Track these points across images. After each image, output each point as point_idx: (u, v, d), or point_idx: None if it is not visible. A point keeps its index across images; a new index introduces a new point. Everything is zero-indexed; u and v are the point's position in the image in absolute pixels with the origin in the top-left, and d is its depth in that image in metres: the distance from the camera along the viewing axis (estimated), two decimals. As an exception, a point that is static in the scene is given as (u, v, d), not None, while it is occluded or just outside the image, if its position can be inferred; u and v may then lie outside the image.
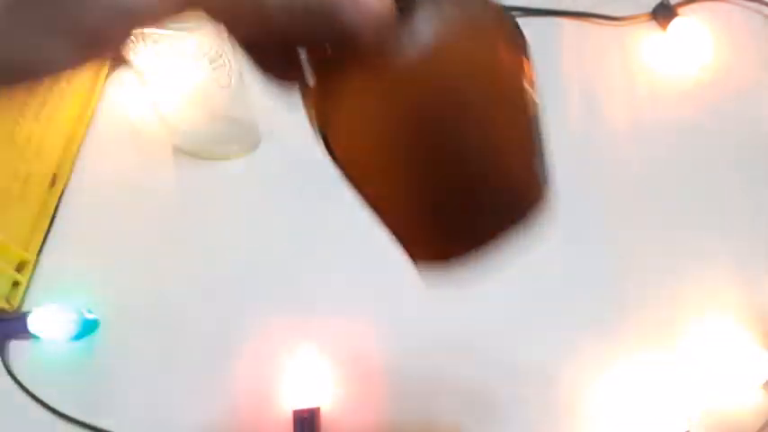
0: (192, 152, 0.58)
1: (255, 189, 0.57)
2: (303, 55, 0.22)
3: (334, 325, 0.49)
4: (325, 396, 0.46)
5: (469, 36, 0.20)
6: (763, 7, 0.72)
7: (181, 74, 0.49)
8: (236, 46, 0.21)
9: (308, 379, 0.46)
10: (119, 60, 0.64)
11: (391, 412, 0.46)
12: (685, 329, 0.50)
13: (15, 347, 0.48)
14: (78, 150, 0.59)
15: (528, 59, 0.23)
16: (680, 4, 0.71)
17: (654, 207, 0.56)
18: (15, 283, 0.50)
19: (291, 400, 0.45)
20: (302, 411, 0.45)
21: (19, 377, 0.46)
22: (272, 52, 0.21)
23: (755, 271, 0.52)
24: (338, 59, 0.20)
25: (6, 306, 0.49)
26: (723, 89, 0.65)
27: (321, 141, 0.25)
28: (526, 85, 0.23)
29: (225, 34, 0.40)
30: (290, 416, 0.45)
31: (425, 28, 0.19)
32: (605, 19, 0.70)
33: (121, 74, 0.64)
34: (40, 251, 0.53)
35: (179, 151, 0.59)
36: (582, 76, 0.65)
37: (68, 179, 0.57)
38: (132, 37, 0.45)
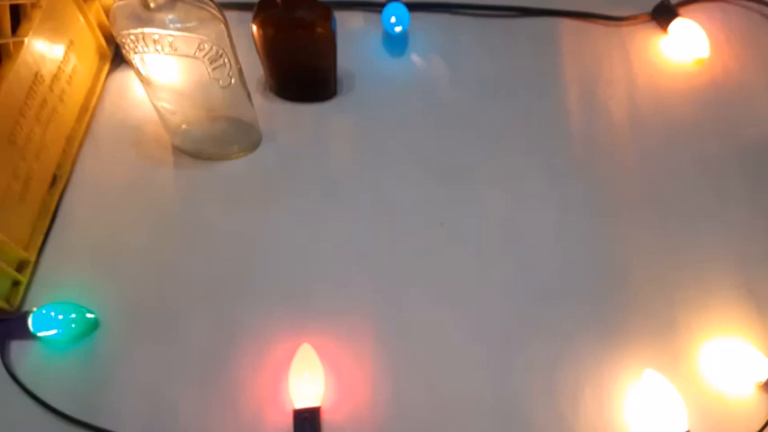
0: (192, 152, 0.58)
1: (255, 189, 0.57)
2: None
3: (333, 325, 0.49)
4: (325, 396, 0.46)
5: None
6: (762, 7, 0.72)
7: (181, 74, 0.49)
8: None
9: (308, 379, 0.46)
10: (119, 60, 0.65)
11: (391, 412, 0.46)
12: (685, 330, 0.50)
13: (15, 347, 0.48)
14: (78, 150, 0.59)
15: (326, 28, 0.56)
16: (680, 5, 0.71)
17: (654, 207, 0.56)
18: (15, 283, 0.50)
19: (291, 399, 0.45)
20: (302, 411, 0.45)
21: (19, 377, 0.46)
22: None
23: (756, 269, 0.53)
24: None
25: (6, 306, 0.49)
26: (723, 89, 0.65)
27: (256, 33, 0.56)
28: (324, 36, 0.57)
29: (225, 34, 0.41)
30: (290, 416, 0.45)
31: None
32: (605, 19, 0.70)
33: (121, 74, 0.64)
34: (40, 251, 0.53)
35: (179, 151, 0.59)
36: (582, 77, 0.65)
37: (68, 179, 0.57)
38: (132, 36, 0.45)
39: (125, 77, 0.64)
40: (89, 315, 0.49)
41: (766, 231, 0.55)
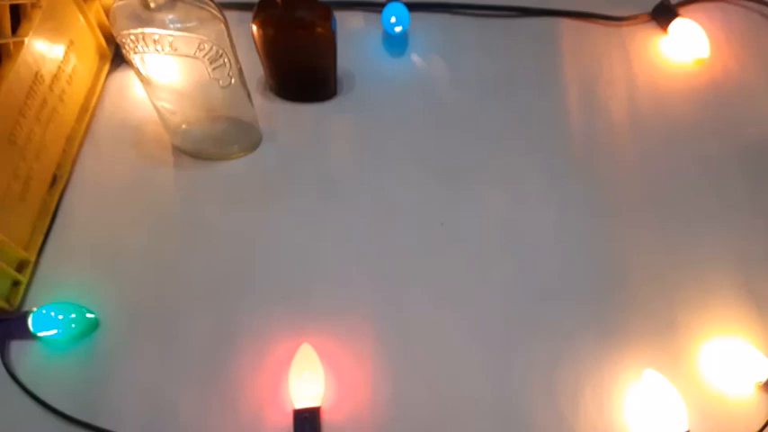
0: (192, 152, 0.58)
1: (255, 189, 0.57)
2: None
3: (333, 325, 0.49)
4: (325, 396, 0.46)
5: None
6: (762, 7, 0.72)
7: (181, 74, 0.49)
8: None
9: (308, 379, 0.46)
10: (119, 60, 0.65)
11: (391, 412, 0.46)
12: (685, 330, 0.50)
13: (15, 347, 0.48)
14: (78, 150, 0.59)
15: (326, 28, 0.56)
16: (680, 5, 0.71)
17: (654, 207, 0.56)
18: (15, 283, 0.50)
19: (291, 399, 0.45)
20: (302, 411, 0.45)
21: (19, 377, 0.46)
22: None
23: (756, 269, 0.53)
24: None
25: (6, 306, 0.49)
26: (723, 89, 0.65)
27: (256, 33, 0.56)
28: (324, 36, 0.57)
29: (225, 34, 0.40)
30: (290, 416, 0.45)
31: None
32: (605, 19, 0.70)
33: (121, 74, 0.64)
34: (40, 251, 0.53)
35: (179, 151, 0.59)
36: (582, 77, 0.65)
37: (68, 179, 0.57)
38: (132, 36, 0.45)
39: (125, 77, 0.64)
40: (89, 315, 0.49)
41: (766, 231, 0.55)
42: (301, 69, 0.61)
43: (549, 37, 0.69)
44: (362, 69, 0.65)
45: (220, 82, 0.50)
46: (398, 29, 0.67)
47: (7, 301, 0.49)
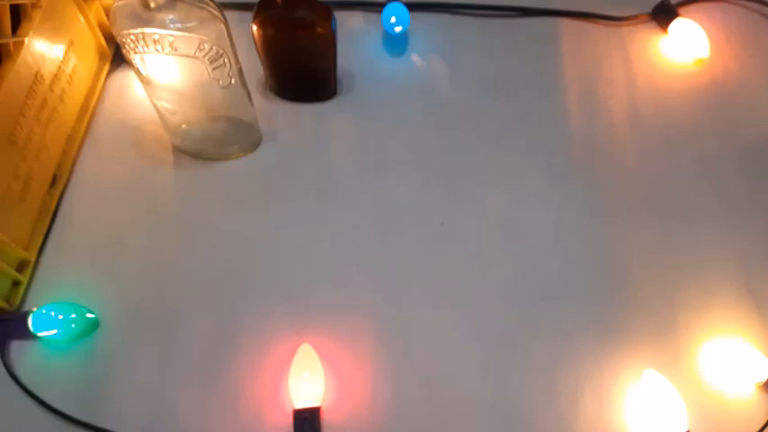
0: (192, 152, 0.58)
1: (255, 189, 0.57)
2: None
3: (333, 325, 0.49)
4: (325, 396, 0.46)
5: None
6: (762, 7, 0.72)
7: (181, 74, 0.49)
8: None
9: (308, 379, 0.46)
10: (119, 60, 0.65)
11: (391, 412, 0.46)
12: (685, 330, 0.50)
13: (15, 347, 0.48)
14: (78, 150, 0.59)
15: (326, 28, 0.56)
16: (680, 5, 0.71)
17: (654, 208, 0.56)
18: (15, 283, 0.50)
19: (291, 399, 0.45)
20: (302, 411, 0.45)
21: (19, 377, 0.46)
22: None
23: (756, 269, 0.53)
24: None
25: (6, 306, 0.49)
26: (723, 89, 0.65)
27: (256, 33, 0.56)
28: (324, 36, 0.56)
29: (225, 34, 0.40)
30: (290, 416, 0.45)
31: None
32: (605, 19, 0.70)
33: (121, 74, 0.64)
34: (40, 251, 0.53)
35: (179, 151, 0.59)
36: (582, 77, 0.65)
37: (68, 179, 0.57)
38: (132, 36, 0.45)
39: (125, 77, 0.64)
40: (89, 315, 0.49)
41: (766, 231, 0.55)
42: (301, 69, 0.61)
43: (549, 37, 0.69)
44: (362, 69, 0.65)
45: (220, 82, 0.50)
46: (398, 29, 0.67)
47: (7, 301, 0.49)
